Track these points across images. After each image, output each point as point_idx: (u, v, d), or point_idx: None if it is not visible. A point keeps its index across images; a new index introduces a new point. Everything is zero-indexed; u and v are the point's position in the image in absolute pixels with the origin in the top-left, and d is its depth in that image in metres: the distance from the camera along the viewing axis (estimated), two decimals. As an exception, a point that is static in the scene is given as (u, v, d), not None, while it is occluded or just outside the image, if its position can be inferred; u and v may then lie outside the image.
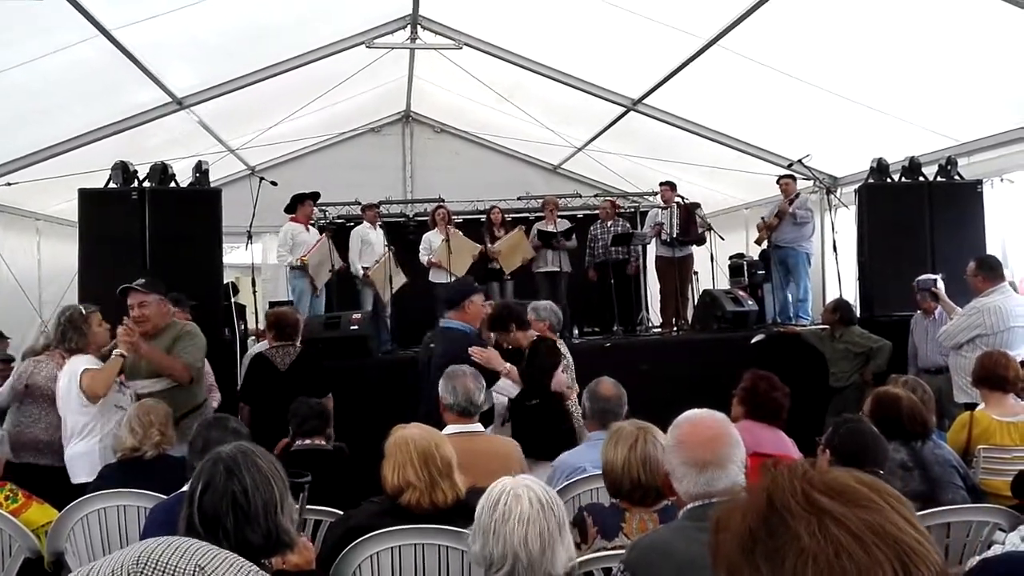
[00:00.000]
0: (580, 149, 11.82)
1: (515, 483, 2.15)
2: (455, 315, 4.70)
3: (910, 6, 6.11)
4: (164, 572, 1.55)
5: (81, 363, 4.36)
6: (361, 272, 8.82)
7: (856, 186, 8.30)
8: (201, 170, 7.34)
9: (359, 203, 10.27)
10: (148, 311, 4.65)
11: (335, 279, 8.48)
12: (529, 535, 2.03)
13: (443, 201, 10.29)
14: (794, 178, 8.97)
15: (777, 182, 9.04)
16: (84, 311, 4.55)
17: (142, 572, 1.54)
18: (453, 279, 8.70)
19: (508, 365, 4.65)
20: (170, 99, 8.26)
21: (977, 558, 2.57)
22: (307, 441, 3.88)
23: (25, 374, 4.96)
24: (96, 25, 6.29)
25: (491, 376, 4.44)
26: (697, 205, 9.54)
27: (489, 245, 9.38)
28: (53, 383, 4.69)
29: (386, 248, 8.74)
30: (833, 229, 8.51)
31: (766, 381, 3.92)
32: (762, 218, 9.21)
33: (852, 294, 8.24)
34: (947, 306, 6.30)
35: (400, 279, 8.94)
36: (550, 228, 9.55)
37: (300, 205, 8.21)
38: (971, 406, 4.69)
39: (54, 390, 4.62)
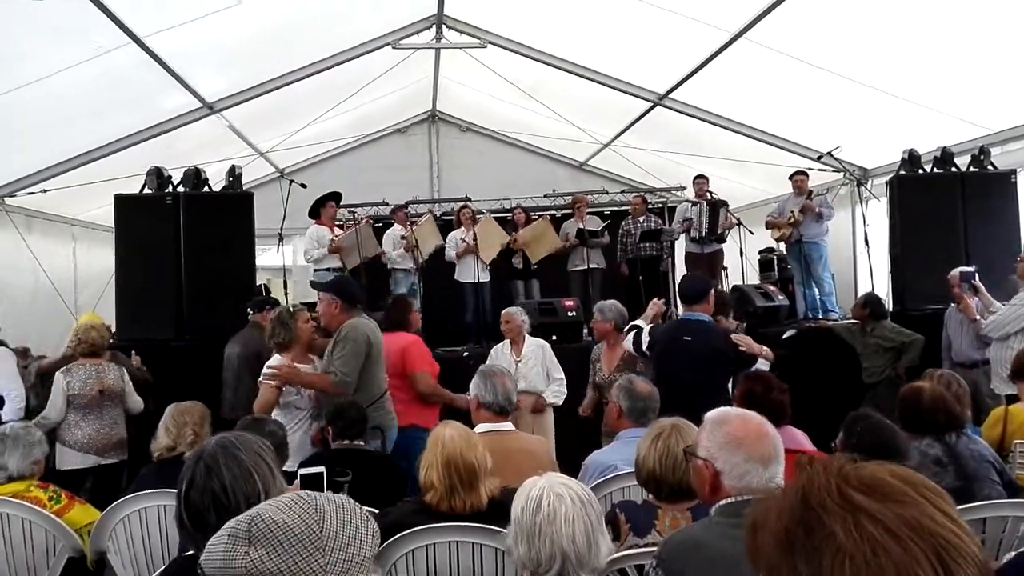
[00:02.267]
0: (606, 145, 11.78)
1: (551, 482, 2.15)
2: (699, 308, 5.00)
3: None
4: None
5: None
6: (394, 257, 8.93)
7: (887, 178, 8.21)
8: (234, 174, 7.44)
9: (387, 203, 10.34)
10: (320, 308, 4.97)
11: (365, 278, 8.54)
12: (576, 532, 2.04)
13: (469, 200, 10.34)
14: (807, 175, 8.85)
15: (791, 178, 8.92)
16: (292, 309, 4.86)
17: None
18: (479, 280, 8.79)
19: (764, 348, 4.85)
20: (201, 104, 8.39)
21: (1012, 553, 2.54)
22: (346, 442, 3.93)
23: (91, 379, 5.19)
24: (128, 33, 6.40)
25: (750, 359, 4.71)
26: (724, 203, 9.47)
27: (513, 234, 9.43)
28: (122, 383, 5.32)
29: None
30: (864, 222, 8.43)
31: (761, 383, 3.88)
32: (788, 214, 9.06)
33: (884, 287, 8.14)
34: (985, 299, 6.21)
35: (435, 241, 9.20)
36: (580, 225, 9.54)
37: (322, 208, 8.23)
38: (1014, 398, 4.63)
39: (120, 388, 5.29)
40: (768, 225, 9.20)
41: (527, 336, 6.20)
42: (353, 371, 4.52)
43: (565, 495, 2.10)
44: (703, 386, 4.60)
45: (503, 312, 6.39)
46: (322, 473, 2.34)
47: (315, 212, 8.25)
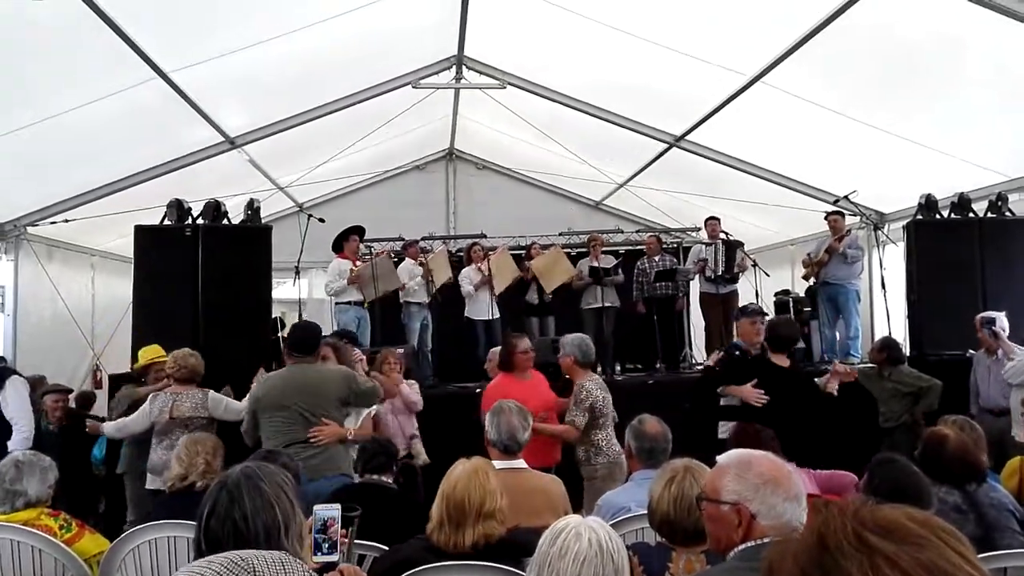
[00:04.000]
0: (622, 185, 11.84)
1: (580, 522, 2.14)
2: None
3: (956, 41, 6.08)
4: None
5: None
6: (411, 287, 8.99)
7: (904, 222, 8.19)
8: (253, 208, 7.53)
9: (403, 239, 10.44)
10: None
11: (379, 312, 8.58)
12: (582, 575, 2.02)
13: (484, 236, 10.40)
14: (843, 214, 8.84)
15: (826, 218, 8.91)
16: None
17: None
18: (491, 316, 8.81)
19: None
20: (223, 138, 8.51)
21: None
22: (373, 476, 3.92)
23: (167, 406, 5.31)
24: (154, 68, 6.52)
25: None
26: (740, 244, 9.46)
27: (526, 263, 9.45)
28: (204, 409, 5.35)
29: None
30: (881, 266, 8.40)
31: (750, 429, 4.17)
32: (808, 254, 9.09)
33: (901, 332, 8.08)
34: (1005, 346, 6.16)
35: (447, 274, 9.25)
36: (595, 264, 9.56)
37: (345, 241, 8.32)
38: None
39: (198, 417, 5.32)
40: (804, 264, 9.19)
41: None
42: (244, 423, 4.91)
43: (584, 536, 2.07)
44: None
45: (492, 352, 6.29)
46: (337, 509, 2.34)
47: (338, 246, 8.32)
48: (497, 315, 9.11)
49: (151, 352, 6.21)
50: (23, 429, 5.24)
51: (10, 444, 5.13)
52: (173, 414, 5.28)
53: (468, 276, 9.21)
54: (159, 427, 5.31)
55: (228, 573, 1.25)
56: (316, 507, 2.36)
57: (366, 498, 3.20)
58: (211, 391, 5.50)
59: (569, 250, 11.07)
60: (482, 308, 9.01)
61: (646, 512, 2.92)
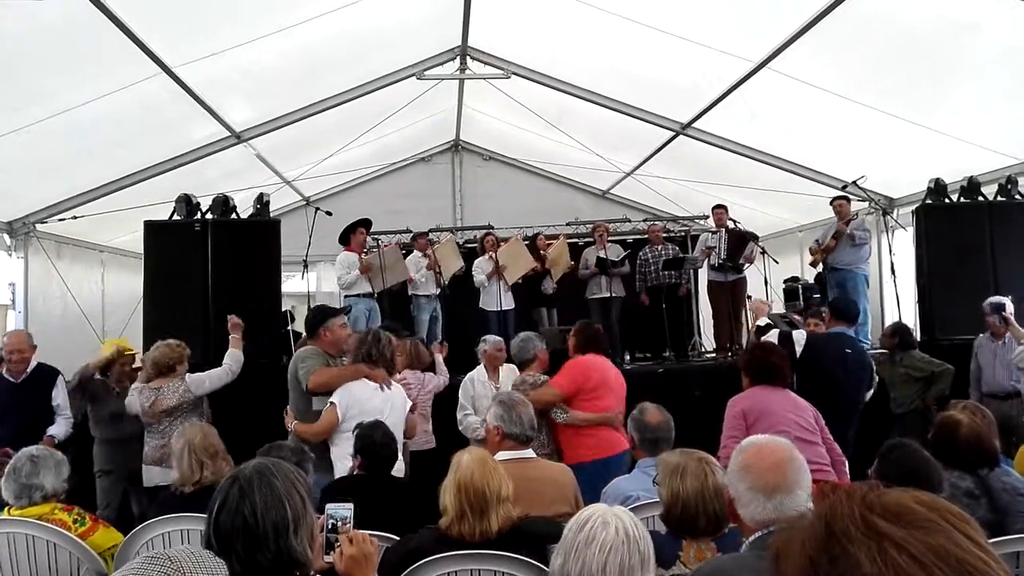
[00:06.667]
0: (629, 174, 11.80)
1: (607, 511, 2.13)
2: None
3: (965, 23, 6.02)
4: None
5: None
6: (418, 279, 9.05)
7: (913, 207, 8.14)
8: (262, 202, 7.54)
9: (410, 231, 10.43)
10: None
11: (388, 305, 8.58)
12: (609, 563, 2.00)
13: (492, 228, 10.39)
14: (848, 199, 8.78)
15: (831, 203, 8.85)
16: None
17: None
18: (502, 307, 8.81)
19: None
20: (229, 133, 8.52)
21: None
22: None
23: (149, 401, 5.36)
24: (159, 63, 6.53)
25: None
26: (754, 236, 9.38)
27: (542, 253, 9.49)
28: (185, 395, 5.45)
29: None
30: (891, 251, 8.34)
31: (761, 349, 4.52)
32: (816, 241, 9.03)
33: (912, 317, 8.05)
34: (1016, 331, 6.13)
35: (456, 263, 9.28)
36: (601, 254, 9.55)
37: (352, 234, 8.30)
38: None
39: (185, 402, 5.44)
40: (811, 251, 9.14)
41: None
42: None
43: (611, 524, 2.06)
44: None
45: (494, 339, 6.28)
46: (350, 509, 2.34)
47: (345, 239, 8.32)
48: (511, 305, 9.11)
49: (114, 344, 6.36)
50: (68, 419, 5.72)
51: (51, 429, 5.55)
52: (159, 407, 5.33)
53: (480, 266, 9.22)
54: (145, 421, 5.40)
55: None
56: (328, 506, 2.35)
57: (374, 490, 3.20)
58: (188, 374, 5.53)
59: (576, 240, 11.06)
60: (494, 298, 9.00)
61: (654, 500, 2.92)
